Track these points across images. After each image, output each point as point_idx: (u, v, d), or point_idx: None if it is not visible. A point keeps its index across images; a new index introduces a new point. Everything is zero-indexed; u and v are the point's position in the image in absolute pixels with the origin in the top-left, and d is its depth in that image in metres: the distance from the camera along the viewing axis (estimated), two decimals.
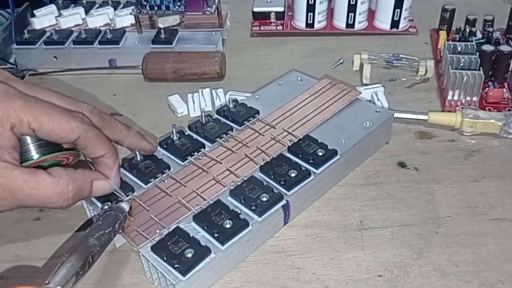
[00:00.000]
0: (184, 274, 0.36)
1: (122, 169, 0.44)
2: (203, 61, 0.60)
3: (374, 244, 0.41)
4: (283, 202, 0.41)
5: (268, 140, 0.47)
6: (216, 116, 0.50)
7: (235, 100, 0.51)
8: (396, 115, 0.52)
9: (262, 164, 0.44)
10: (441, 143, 0.51)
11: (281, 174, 0.42)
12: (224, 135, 0.47)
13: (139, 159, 0.44)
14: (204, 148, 0.46)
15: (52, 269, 0.31)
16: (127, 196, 0.41)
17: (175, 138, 0.47)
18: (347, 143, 0.46)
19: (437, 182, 0.47)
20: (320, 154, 0.44)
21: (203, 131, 0.47)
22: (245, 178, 0.43)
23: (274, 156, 0.44)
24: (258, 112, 0.50)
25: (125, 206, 0.38)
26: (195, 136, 0.47)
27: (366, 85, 0.58)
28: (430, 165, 0.49)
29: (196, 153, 0.46)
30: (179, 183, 0.43)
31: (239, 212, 0.40)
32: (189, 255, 0.36)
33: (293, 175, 0.42)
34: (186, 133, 0.48)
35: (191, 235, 0.38)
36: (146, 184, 0.43)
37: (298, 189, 0.42)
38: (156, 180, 0.43)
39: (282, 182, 0.42)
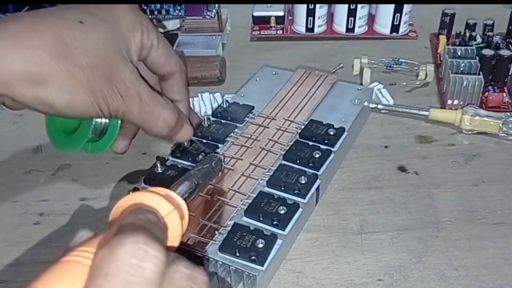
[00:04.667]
0: (262, 264, 0.37)
1: (146, 185, 0.44)
2: (203, 66, 0.60)
3: (374, 248, 0.41)
4: (318, 181, 0.43)
5: (275, 131, 0.48)
6: (213, 118, 0.51)
7: (227, 101, 0.52)
8: (399, 110, 0.54)
9: (283, 152, 0.46)
10: (441, 147, 0.51)
11: (306, 157, 0.45)
12: (232, 134, 0.48)
13: (160, 171, 0.44)
14: (218, 149, 0.47)
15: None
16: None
17: (187, 145, 0.47)
18: (348, 119, 0.50)
19: (437, 186, 0.47)
20: (332, 133, 0.47)
21: (210, 134, 0.48)
22: (274, 168, 0.44)
23: (291, 144, 0.46)
24: (253, 108, 0.51)
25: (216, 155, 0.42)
26: (204, 140, 0.48)
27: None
28: (430, 169, 0.49)
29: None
30: (212, 185, 0.43)
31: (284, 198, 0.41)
32: (260, 245, 0.37)
33: (317, 156, 0.45)
34: (193, 139, 0.48)
35: (252, 228, 0.39)
36: None
37: (325, 168, 0.45)
38: None
39: (310, 165, 0.44)
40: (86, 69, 0.31)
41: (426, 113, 0.52)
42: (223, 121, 0.50)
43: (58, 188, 0.48)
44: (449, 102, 0.55)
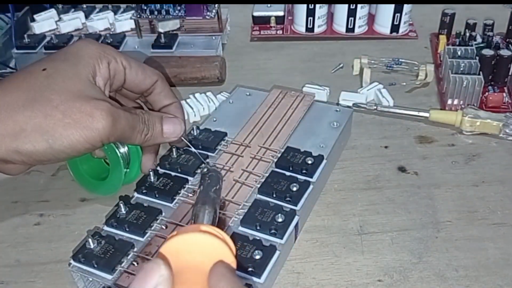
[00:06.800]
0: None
1: (111, 229, 0.40)
2: (203, 66, 0.60)
3: (374, 248, 0.41)
4: (297, 218, 0.40)
5: (250, 160, 0.45)
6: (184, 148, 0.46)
7: (198, 127, 0.49)
8: (399, 111, 0.53)
9: (258, 185, 0.43)
10: (441, 148, 0.51)
11: (283, 191, 0.42)
12: (203, 165, 0.45)
13: (124, 212, 0.41)
14: (188, 183, 0.44)
15: (192, 218, 0.32)
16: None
17: (153, 180, 0.43)
18: (327, 145, 0.47)
19: (437, 186, 0.47)
20: (310, 162, 0.44)
21: (179, 166, 0.44)
22: (248, 204, 0.41)
23: (267, 175, 0.43)
24: (226, 134, 0.48)
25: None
26: (172, 173, 0.44)
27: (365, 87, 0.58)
28: (430, 170, 0.49)
29: (183, 191, 0.43)
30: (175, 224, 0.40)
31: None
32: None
33: (295, 189, 0.42)
34: (160, 172, 0.44)
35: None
36: (143, 237, 0.40)
37: (303, 202, 0.42)
38: (153, 228, 0.40)
39: (287, 199, 0.41)
40: (61, 106, 0.34)
41: (427, 114, 0.52)
42: (193, 150, 0.45)
43: (58, 189, 0.48)
44: (449, 102, 0.55)
